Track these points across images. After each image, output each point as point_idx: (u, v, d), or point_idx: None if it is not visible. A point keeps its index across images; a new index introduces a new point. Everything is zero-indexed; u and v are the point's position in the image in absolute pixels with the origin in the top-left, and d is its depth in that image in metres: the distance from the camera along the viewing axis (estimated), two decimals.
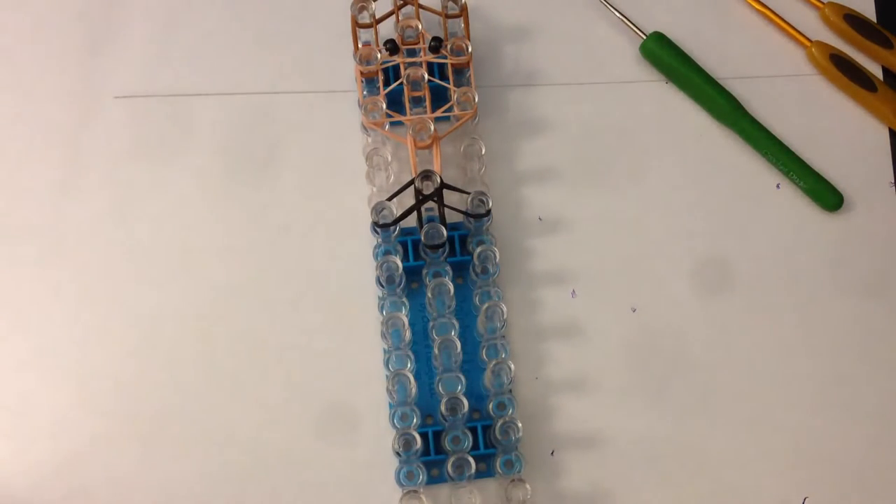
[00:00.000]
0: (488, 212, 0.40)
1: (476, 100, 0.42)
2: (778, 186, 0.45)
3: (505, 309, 0.39)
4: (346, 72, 0.45)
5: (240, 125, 0.44)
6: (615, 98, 0.46)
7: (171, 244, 0.42)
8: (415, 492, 0.38)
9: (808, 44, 0.46)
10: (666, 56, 0.45)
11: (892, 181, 0.45)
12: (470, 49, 0.42)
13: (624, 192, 0.44)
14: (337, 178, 0.44)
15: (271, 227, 0.43)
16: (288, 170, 0.44)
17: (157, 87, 0.45)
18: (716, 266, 0.43)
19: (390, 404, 0.40)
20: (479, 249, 0.40)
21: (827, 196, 0.44)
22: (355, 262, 0.42)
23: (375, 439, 0.40)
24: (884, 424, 0.42)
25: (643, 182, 0.44)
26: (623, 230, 0.44)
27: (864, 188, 0.45)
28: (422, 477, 0.38)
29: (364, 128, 0.43)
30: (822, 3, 0.47)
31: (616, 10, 0.46)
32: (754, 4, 0.47)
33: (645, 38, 0.45)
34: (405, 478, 0.38)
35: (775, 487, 0.41)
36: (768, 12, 0.47)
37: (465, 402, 0.38)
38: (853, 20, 0.46)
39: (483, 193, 0.41)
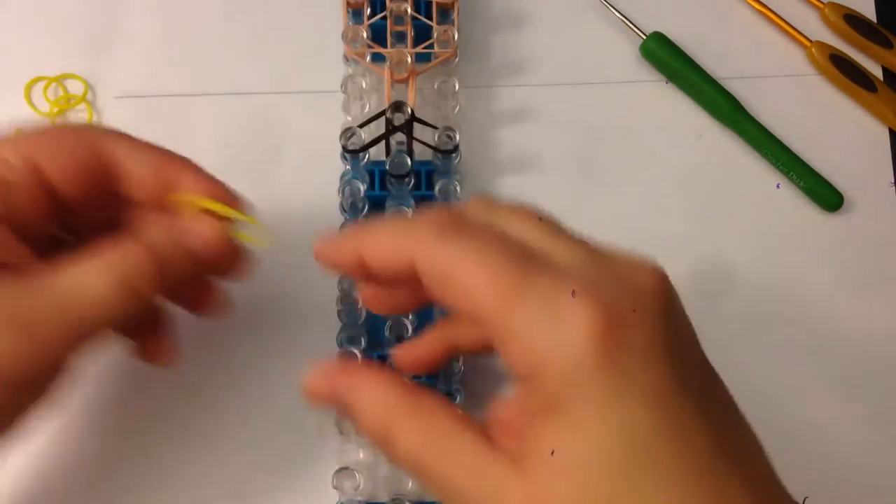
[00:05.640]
0: (456, 147, 0.40)
1: (456, 38, 0.41)
2: (778, 186, 0.45)
3: None
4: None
5: (240, 125, 0.44)
6: (615, 98, 0.46)
7: None
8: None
9: (808, 44, 0.46)
10: (666, 56, 0.45)
11: (892, 181, 0.45)
12: None
13: (623, 192, 0.44)
14: (337, 178, 0.44)
15: (271, 228, 0.43)
16: (288, 170, 0.44)
17: (157, 87, 0.45)
18: (715, 266, 0.43)
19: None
20: (439, 184, 0.40)
21: (827, 196, 0.44)
22: None
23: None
24: (884, 424, 0.42)
25: (643, 182, 0.44)
26: (622, 230, 0.44)
27: (864, 188, 0.45)
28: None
29: (346, 58, 0.42)
30: (822, 3, 0.47)
31: (616, 10, 0.46)
32: (754, 4, 0.47)
33: (645, 38, 0.45)
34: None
35: None
36: (768, 12, 0.47)
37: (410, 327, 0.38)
38: (853, 20, 0.46)
39: (451, 129, 0.40)
